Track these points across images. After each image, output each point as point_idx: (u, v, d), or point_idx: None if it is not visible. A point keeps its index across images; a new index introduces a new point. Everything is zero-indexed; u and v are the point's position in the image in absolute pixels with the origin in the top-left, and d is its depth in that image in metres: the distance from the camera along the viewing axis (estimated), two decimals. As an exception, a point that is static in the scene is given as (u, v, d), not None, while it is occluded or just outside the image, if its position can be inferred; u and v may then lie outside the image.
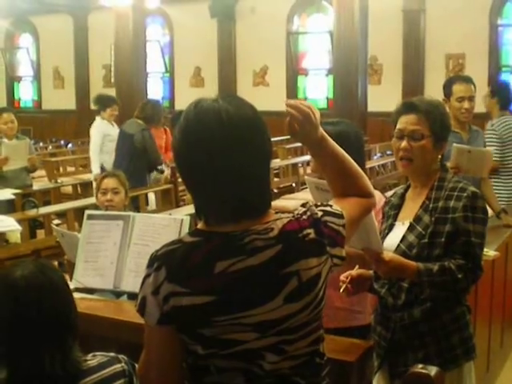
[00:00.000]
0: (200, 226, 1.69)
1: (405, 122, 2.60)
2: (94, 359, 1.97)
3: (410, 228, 2.58)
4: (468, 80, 4.64)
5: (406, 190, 2.74)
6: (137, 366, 2.03)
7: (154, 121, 7.63)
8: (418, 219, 2.57)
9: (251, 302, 1.62)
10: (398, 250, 2.56)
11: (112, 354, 2.01)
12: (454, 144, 4.10)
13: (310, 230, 1.70)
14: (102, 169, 7.77)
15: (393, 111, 2.69)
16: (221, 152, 1.59)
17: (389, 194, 3.09)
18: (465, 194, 2.51)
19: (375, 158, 10.81)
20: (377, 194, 3.24)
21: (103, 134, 8.04)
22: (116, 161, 7.43)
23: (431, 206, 2.55)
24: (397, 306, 2.57)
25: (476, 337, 2.73)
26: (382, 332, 2.63)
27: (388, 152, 11.13)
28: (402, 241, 2.58)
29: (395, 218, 2.69)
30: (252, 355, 1.64)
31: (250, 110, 1.69)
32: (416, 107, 2.60)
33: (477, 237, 2.49)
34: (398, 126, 2.63)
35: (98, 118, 8.21)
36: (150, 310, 1.64)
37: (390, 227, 2.69)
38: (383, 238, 2.63)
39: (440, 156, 2.64)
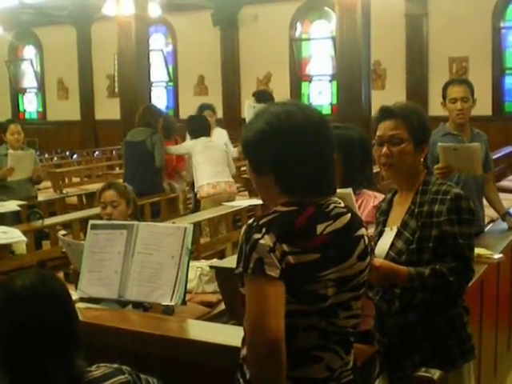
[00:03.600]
0: (285, 199, 1.95)
1: (383, 128, 2.62)
2: (98, 370, 1.96)
3: (398, 234, 2.59)
4: (462, 82, 4.64)
5: (393, 195, 2.75)
6: (142, 375, 2.04)
7: (171, 134, 7.73)
8: (404, 225, 2.57)
9: (338, 259, 1.93)
10: (387, 256, 2.56)
11: (115, 366, 1.99)
12: (439, 143, 4.09)
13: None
14: None
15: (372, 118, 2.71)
16: (316, 144, 1.95)
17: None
18: (448, 197, 2.51)
19: (380, 162, 10.77)
20: (381, 196, 3.24)
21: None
22: (129, 172, 7.38)
23: (416, 210, 2.55)
24: (391, 312, 2.57)
25: (482, 340, 2.73)
26: (379, 338, 2.64)
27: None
28: (390, 247, 2.59)
29: (384, 223, 2.71)
30: (329, 312, 1.92)
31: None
32: (392, 112, 2.62)
33: (464, 238, 2.49)
34: (377, 133, 2.65)
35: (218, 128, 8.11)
36: (272, 265, 1.84)
37: (380, 233, 2.70)
38: (374, 244, 2.62)
39: (422, 159, 2.65)
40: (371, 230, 2.60)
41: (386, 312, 2.59)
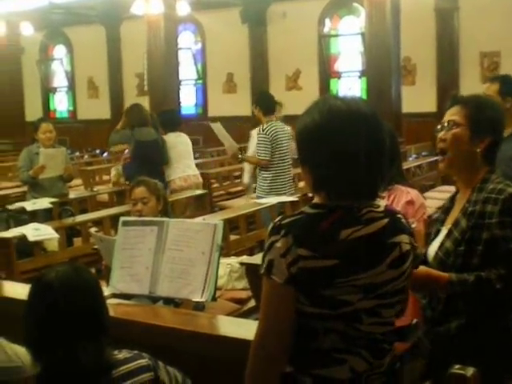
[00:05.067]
0: (318, 200, 1.93)
1: (447, 114, 2.52)
2: (119, 354, 2.09)
3: (448, 233, 2.45)
4: (493, 79, 4.34)
5: (456, 193, 2.60)
6: (160, 362, 2.12)
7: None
8: (456, 224, 2.43)
9: (364, 265, 1.85)
10: (435, 257, 2.46)
11: (135, 351, 2.13)
12: None
13: (401, 216, 2.01)
14: None
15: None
16: (355, 144, 1.85)
17: (426, 195, 3.04)
18: (502, 197, 2.34)
19: (411, 159, 10.70)
20: (414, 192, 3.21)
21: None
22: (144, 171, 7.25)
23: (470, 209, 2.40)
24: (435, 318, 2.47)
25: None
26: (425, 344, 2.54)
27: (424, 153, 11.04)
28: (439, 247, 2.46)
29: (442, 222, 2.57)
30: (352, 317, 1.86)
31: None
32: (456, 99, 2.53)
33: None
34: None
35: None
36: (278, 270, 1.83)
37: (436, 233, 2.56)
38: (428, 244, 2.54)
39: (479, 150, 2.44)
40: None
41: (430, 318, 2.50)
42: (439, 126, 2.53)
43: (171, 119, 7.96)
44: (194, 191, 7.60)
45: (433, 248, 2.52)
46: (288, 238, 1.83)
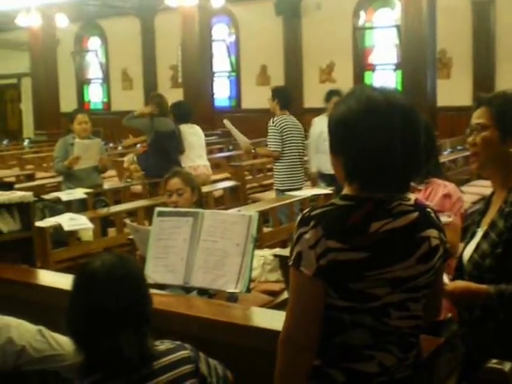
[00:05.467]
0: (348, 191, 1.90)
1: (473, 117, 2.44)
2: (161, 345, 2.09)
3: (485, 235, 2.37)
4: None
5: (492, 194, 2.52)
6: (202, 354, 2.12)
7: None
8: (492, 225, 2.35)
9: (393, 259, 1.84)
10: (471, 259, 2.39)
11: (178, 342, 2.11)
12: None
13: (431, 210, 1.99)
14: (319, 172, 7.60)
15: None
16: (391, 137, 1.82)
17: (463, 188, 3.00)
18: None
19: (445, 153, 10.58)
20: (451, 185, 3.18)
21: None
22: (165, 162, 7.19)
23: (506, 210, 2.32)
24: (471, 320, 2.40)
25: None
26: (460, 346, 2.49)
27: (459, 147, 10.92)
28: (475, 249, 2.39)
29: (478, 224, 2.49)
30: (381, 311, 1.85)
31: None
32: (480, 100, 2.44)
33: None
34: None
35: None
36: (307, 262, 1.82)
37: (472, 235, 2.49)
38: (464, 246, 2.48)
39: None
40: (443, 219, 2.43)
41: (466, 320, 2.44)
42: (468, 130, 2.47)
43: (184, 111, 8.08)
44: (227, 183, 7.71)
45: (468, 250, 2.45)
46: (317, 229, 1.81)
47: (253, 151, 7.69)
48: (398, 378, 1.91)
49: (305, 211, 1.89)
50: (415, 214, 1.89)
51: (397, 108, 1.85)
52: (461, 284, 2.30)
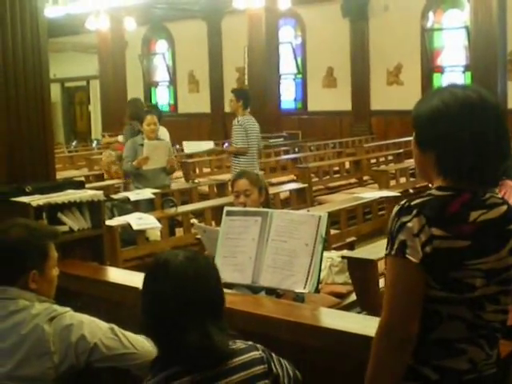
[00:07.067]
0: (441, 183, 1.92)
1: None
2: (234, 344, 2.08)
3: None
4: None
5: None
6: (274, 354, 2.11)
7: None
8: None
9: (490, 249, 1.87)
10: None
11: (250, 342, 2.12)
12: None
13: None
14: None
15: None
16: (487, 132, 1.87)
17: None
18: None
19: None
20: None
21: None
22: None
23: None
24: None
25: None
26: None
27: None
28: None
29: None
30: (476, 304, 1.87)
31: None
32: None
33: None
34: None
35: None
36: (413, 249, 1.83)
37: None
38: None
39: None
40: None
41: None
42: None
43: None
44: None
45: None
46: (420, 217, 1.84)
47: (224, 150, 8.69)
48: (486, 376, 1.93)
49: (402, 202, 1.91)
50: (505, 207, 1.94)
51: (489, 103, 1.91)
52: None
